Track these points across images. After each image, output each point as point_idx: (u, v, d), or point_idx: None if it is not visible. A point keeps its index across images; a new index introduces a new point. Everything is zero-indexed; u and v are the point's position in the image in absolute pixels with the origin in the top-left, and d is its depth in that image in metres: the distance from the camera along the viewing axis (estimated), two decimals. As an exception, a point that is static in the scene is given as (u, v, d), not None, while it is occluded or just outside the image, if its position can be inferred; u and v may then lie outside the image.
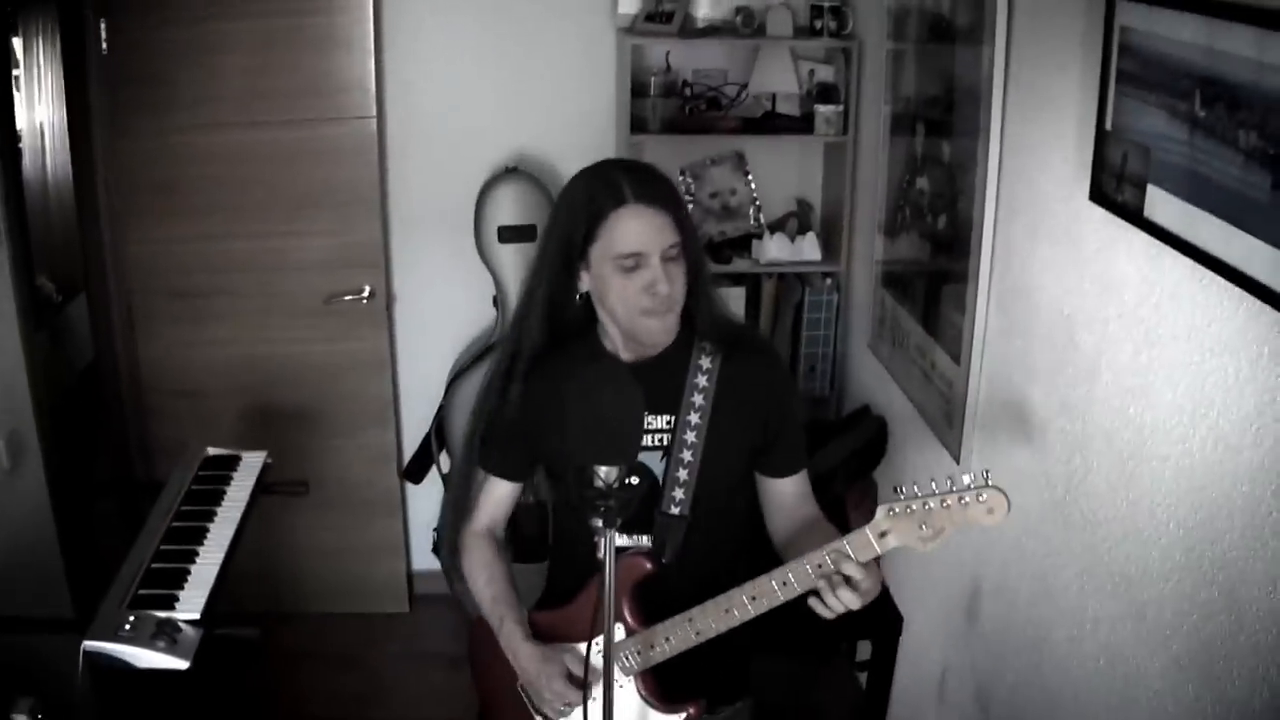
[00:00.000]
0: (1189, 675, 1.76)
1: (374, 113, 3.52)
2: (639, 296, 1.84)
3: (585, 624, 1.95)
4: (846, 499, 3.27)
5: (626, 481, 1.64)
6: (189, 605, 2.33)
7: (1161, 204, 1.79)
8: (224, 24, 3.41)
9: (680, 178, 3.75)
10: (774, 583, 1.77)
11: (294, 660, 3.75)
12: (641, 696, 1.97)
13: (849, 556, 1.70)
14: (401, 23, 3.61)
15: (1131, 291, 1.93)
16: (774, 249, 3.62)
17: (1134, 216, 1.87)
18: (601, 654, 1.77)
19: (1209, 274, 1.69)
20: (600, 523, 1.63)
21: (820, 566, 1.72)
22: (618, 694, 1.89)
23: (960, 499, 1.64)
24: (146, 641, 2.19)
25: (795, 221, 3.74)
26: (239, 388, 3.76)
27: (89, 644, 2.17)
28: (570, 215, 1.88)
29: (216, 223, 3.58)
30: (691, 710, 1.99)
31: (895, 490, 1.68)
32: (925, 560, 2.93)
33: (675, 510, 1.95)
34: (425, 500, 4.11)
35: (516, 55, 3.68)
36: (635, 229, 1.82)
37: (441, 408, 3.79)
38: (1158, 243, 1.82)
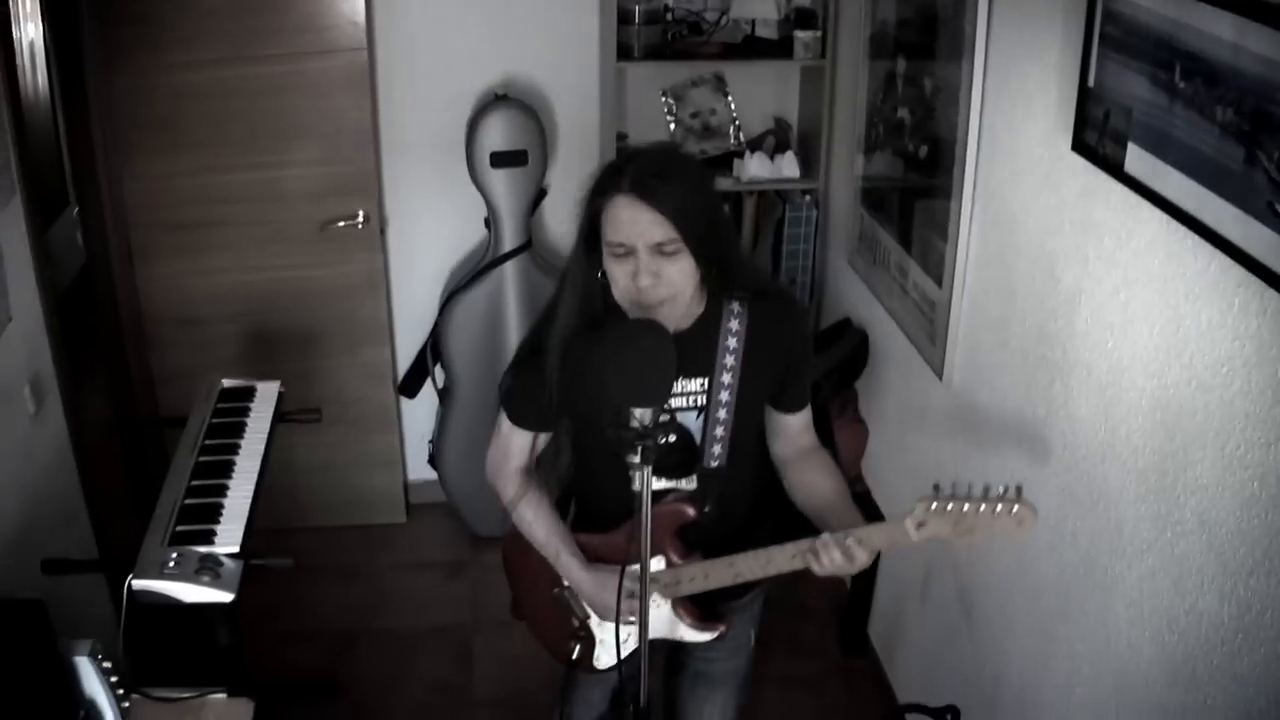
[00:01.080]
0: (1162, 585, 1.97)
1: (365, 44, 3.57)
2: (628, 284, 1.94)
3: (625, 551, 2.13)
4: (829, 408, 3.46)
5: (660, 422, 1.81)
6: (227, 539, 2.44)
7: (1141, 161, 1.93)
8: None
9: (662, 99, 3.84)
10: (816, 545, 1.94)
11: (297, 574, 3.88)
12: (676, 614, 2.20)
13: (886, 540, 1.91)
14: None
15: (1110, 237, 2.09)
16: (754, 167, 3.74)
17: (1114, 170, 2.02)
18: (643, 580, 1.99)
19: (1183, 229, 1.85)
20: (638, 459, 1.79)
21: (861, 542, 1.91)
22: (654, 611, 2.16)
23: (995, 508, 1.81)
24: (191, 577, 2.28)
25: (773, 140, 3.86)
26: (238, 314, 3.87)
27: (136, 583, 2.26)
28: (587, 196, 1.99)
29: (211, 156, 3.64)
30: (722, 629, 2.23)
31: (935, 488, 1.83)
32: (907, 469, 3.15)
33: (714, 464, 2.13)
34: (419, 413, 4.26)
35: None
36: (624, 219, 1.89)
37: (437, 325, 3.92)
38: (1135, 195, 1.97)
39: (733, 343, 2.08)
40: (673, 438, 2.07)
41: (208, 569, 2.33)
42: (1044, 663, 2.41)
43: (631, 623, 2.18)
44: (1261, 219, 1.63)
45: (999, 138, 2.52)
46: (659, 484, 2.13)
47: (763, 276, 2.17)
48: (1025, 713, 2.49)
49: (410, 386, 4.15)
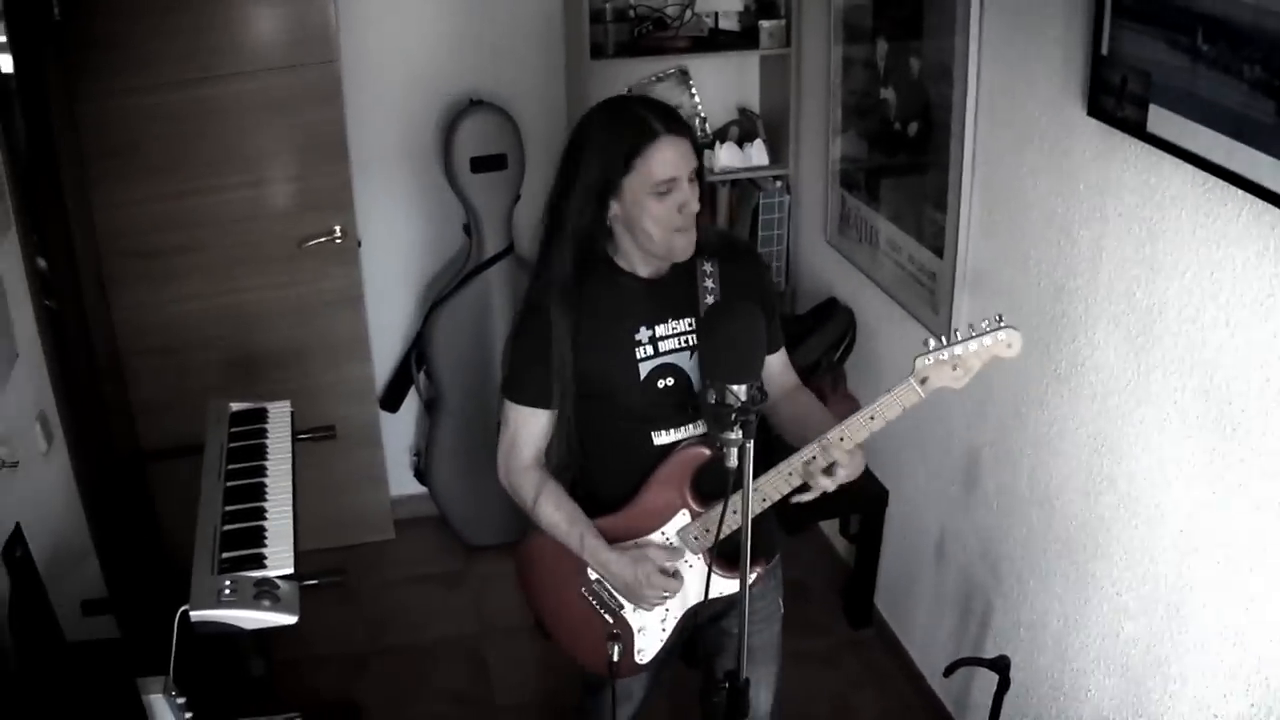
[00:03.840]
0: (1215, 514, 2.10)
1: (333, 57, 3.55)
2: (672, 216, 2.06)
3: (650, 518, 2.23)
4: (823, 387, 3.56)
5: (755, 396, 1.87)
6: (278, 561, 2.42)
7: (1165, 121, 2.05)
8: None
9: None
10: (832, 436, 2.02)
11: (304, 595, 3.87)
12: (710, 568, 2.17)
13: (899, 406, 1.99)
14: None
15: (1131, 194, 2.22)
16: (726, 157, 3.82)
17: (1136, 130, 2.13)
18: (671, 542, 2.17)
19: (1213, 180, 1.98)
20: (739, 435, 1.84)
21: (873, 419, 2.00)
22: (688, 572, 2.24)
23: (984, 341, 1.95)
24: (250, 603, 2.27)
25: (738, 129, 3.95)
26: (215, 339, 3.81)
27: (195, 613, 2.23)
28: (603, 153, 2.06)
29: (182, 180, 3.59)
30: (760, 569, 2.28)
31: (925, 343, 1.97)
32: (912, 435, 3.26)
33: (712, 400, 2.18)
34: (400, 428, 4.25)
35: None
36: (670, 158, 2.03)
37: (421, 335, 3.92)
38: (1157, 152, 2.10)
39: (709, 283, 2.19)
40: (670, 381, 2.17)
41: (266, 593, 2.32)
42: (1084, 603, 2.54)
43: (667, 597, 2.24)
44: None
45: (998, 109, 2.63)
46: (669, 436, 2.20)
47: (723, 229, 2.33)
48: (1070, 655, 2.60)
49: (391, 401, 4.14)
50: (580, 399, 2.22)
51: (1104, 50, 2.18)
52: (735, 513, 2.12)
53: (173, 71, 3.46)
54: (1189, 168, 2.03)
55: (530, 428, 2.25)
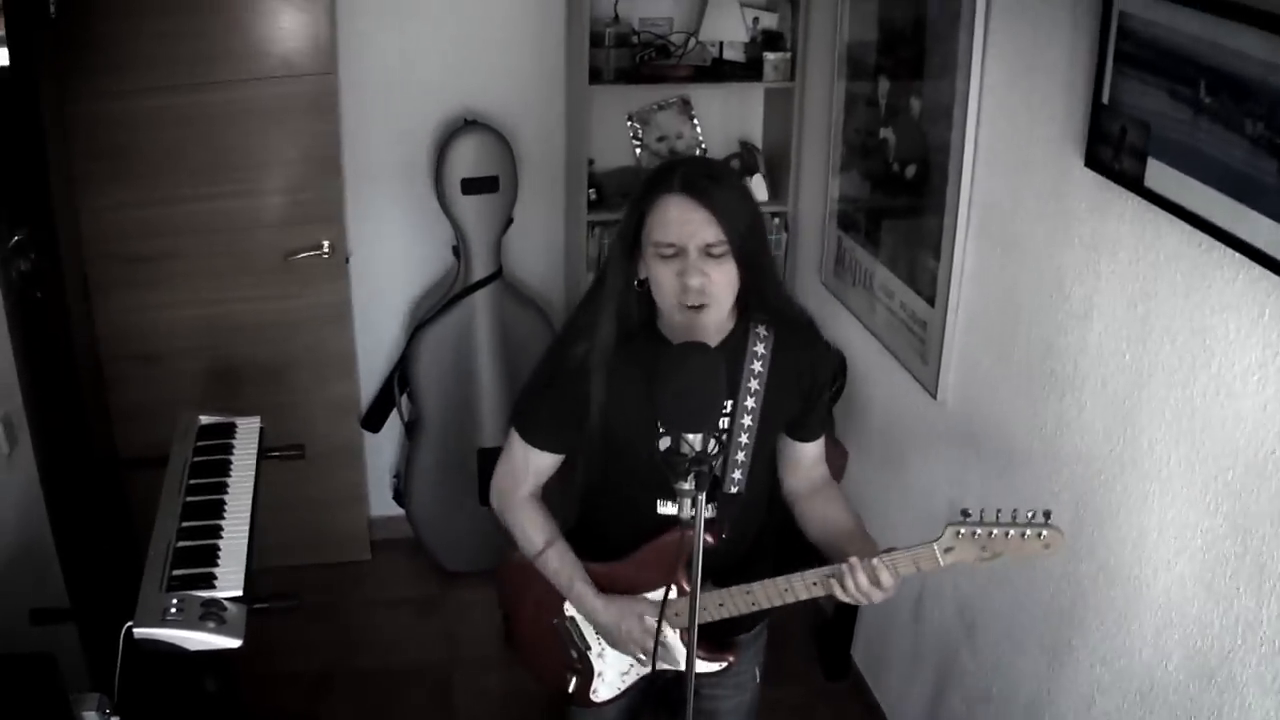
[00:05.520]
0: (1193, 591, 2.00)
1: (329, 69, 3.51)
2: (674, 286, 1.92)
3: (639, 580, 2.13)
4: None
5: (711, 449, 1.79)
6: (228, 582, 2.36)
7: (1163, 175, 1.97)
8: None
9: (628, 123, 3.84)
10: (843, 569, 1.94)
11: (266, 616, 3.78)
12: (685, 644, 2.11)
13: (913, 566, 1.90)
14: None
15: (1126, 251, 2.13)
16: (723, 191, 3.75)
17: (1133, 184, 2.05)
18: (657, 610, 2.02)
19: (1208, 239, 1.89)
20: (691, 486, 1.76)
21: (888, 567, 1.91)
22: (672, 635, 2.12)
23: (1024, 533, 1.83)
24: (195, 624, 2.20)
25: (740, 162, 3.88)
26: (198, 349, 3.76)
27: (138, 631, 2.17)
28: (633, 200, 1.97)
29: (171, 186, 3.54)
30: (731, 659, 2.20)
31: (964, 513, 1.85)
32: (897, 490, 3.17)
33: (734, 490, 2.10)
34: (382, 449, 4.18)
35: (467, 5, 3.69)
36: (673, 219, 1.89)
37: (405, 356, 3.85)
38: (1154, 208, 2.01)
39: (758, 366, 2.07)
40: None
41: (212, 614, 2.25)
42: (1058, 675, 2.44)
43: (641, 658, 2.16)
44: (1300, 230, 1.68)
45: (997, 154, 2.56)
46: (672, 509, 2.07)
47: (791, 302, 2.15)
48: (1041, 725, 2.51)
49: (374, 421, 4.07)
50: (607, 454, 2.13)
51: (1105, 99, 2.11)
52: (723, 606, 2.08)
53: (167, 76, 3.41)
54: (1186, 226, 1.94)
55: (537, 464, 2.19)
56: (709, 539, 2.03)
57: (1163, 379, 2.06)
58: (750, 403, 2.07)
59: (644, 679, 2.23)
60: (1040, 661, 2.51)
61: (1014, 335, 2.54)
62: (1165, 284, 2.04)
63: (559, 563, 2.17)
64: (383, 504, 4.23)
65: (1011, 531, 1.83)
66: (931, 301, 2.84)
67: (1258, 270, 1.80)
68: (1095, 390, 2.26)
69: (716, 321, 1.99)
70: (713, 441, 2.05)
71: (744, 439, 2.08)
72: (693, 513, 1.78)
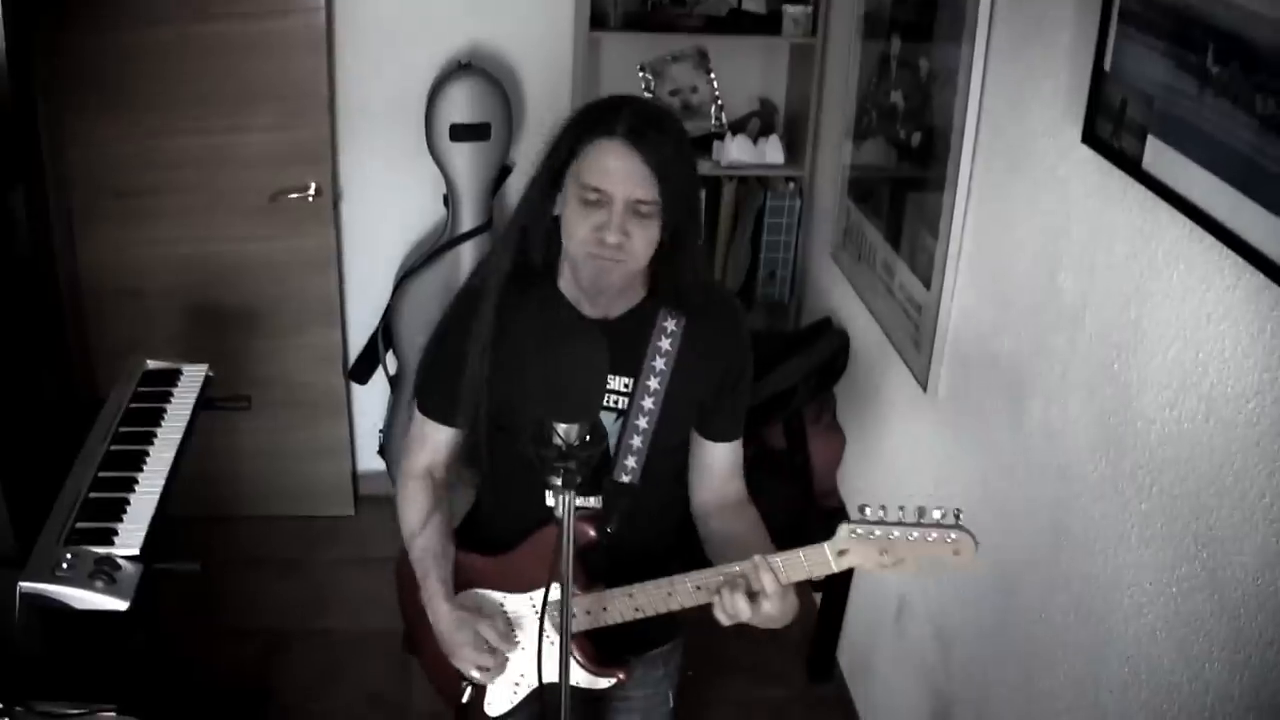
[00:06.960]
0: (1163, 648, 1.73)
1: (323, 3, 3.32)
2: (589, 235, 1.72)
3: (521, 577, 1.91)
4: (805, 414, 3.22)
5: (586, 440, 1.55)
6: (128, 540, 2.21)
7: (1162, 157, 1.69)
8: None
9: (640, 74, 3.59)
10: (722, 575, 1.71)
11: (232, 567, 3.66)
12: (571, 656, 1.90)
13: (805, 570, 1.66)
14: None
15: (1123, 243, 1.84)
16: (735, 150, 3.48)
17: (1131, 166, 1.77)
18: (538, 612, 1.77)
19: (1209, 238, 1.60)
20: (560, 483, 1.53)
21: (770, 569, 1.66)
22: (548, 650, 1.84)
23: (927, 535, 1.59)
24: (84, 581, 2.07)
25: (758, 122, 3.61)
26: (181, 287, 3.62)
27: (24, 585, 2.05)
28: (565, 129, 1.76)
29: (158, 119, 3.39)
30: (620, 676, 1.96)
31: (861, 510, 1.61)
32: (885, 484, 2.92)
33: (626, 479, 1.87)
34: (371, 400, 4.02)
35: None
36: (609, 165, 1.69)
37: (389, 308, 3.67)
38: (1155, 196, 1.73)
39: (665, 344, 1.84)
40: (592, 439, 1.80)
41: (103, 573, 2.10)
42: (1027, 716, 2.18)
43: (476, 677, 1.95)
44: (1307, 232, 1.39)
45: (1000, 126, 2.26)
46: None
47: (709, 280, 1.91)
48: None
49: (361, 372, 3.91)
50: (494, 427, 1.91)
51: (1106, 65, 1.81)
52: (607, 610, 1.83)
53: (157, 7, 3.27)
54: (1185, 220, 1.65)
55: (433, 437, 1.98)
56: (590, 532, 1.81)
57: (1151, 397, 1.78)
58: (654, 383, 1.84)
59: (534, 693, 2.00)
60: (1014, 701, 2.25)
61: (1003, 330, 2.26)
62: (1161, 285, 1.75)
63: (421, 552, 1.95)
64: (373, 458, 4.08)
65: (915, 533, 1.59)
66: (928, 284, 2.56)
67: (1261, 279, 1.51)
68: (1082, 402, 1.98)
69: (623, 279, 1.77)
70: (608, 423, 1.83)
71: (643, 422, 1.84)
72: (564, 510, 1.55)
